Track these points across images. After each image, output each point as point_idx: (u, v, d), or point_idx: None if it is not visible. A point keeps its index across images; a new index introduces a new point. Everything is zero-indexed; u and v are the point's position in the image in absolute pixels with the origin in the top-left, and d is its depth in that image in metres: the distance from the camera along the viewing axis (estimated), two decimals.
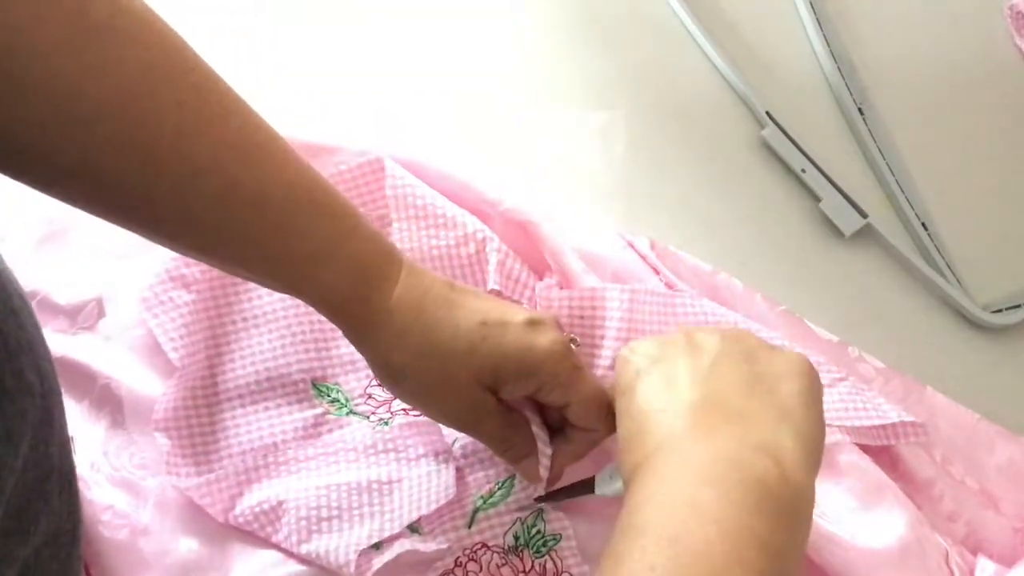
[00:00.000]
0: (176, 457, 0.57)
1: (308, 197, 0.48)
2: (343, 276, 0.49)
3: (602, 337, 0.60)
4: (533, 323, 0.52)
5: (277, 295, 0.61)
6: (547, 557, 0.56)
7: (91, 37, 0.41)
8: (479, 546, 0.56)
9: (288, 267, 0.49)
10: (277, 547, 0.56)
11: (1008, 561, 0.60)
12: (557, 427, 0.55)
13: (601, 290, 0.61)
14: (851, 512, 0.58)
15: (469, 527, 0.57)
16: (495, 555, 0.56)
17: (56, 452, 0.45)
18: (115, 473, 0.57)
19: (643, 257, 0.66)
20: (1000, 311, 0.73)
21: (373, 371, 0.53)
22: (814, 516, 0.56)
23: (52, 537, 0.44)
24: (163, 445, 0.57)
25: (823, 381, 0.59)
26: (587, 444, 0.55)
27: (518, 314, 0.52)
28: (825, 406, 0.58)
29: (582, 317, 0.61)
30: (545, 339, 0.51)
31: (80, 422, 0.58)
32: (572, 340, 0.55)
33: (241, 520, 0.56)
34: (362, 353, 0.52)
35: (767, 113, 0.77)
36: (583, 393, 0.52)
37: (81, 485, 0.55)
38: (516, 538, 0.57)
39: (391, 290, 0.50)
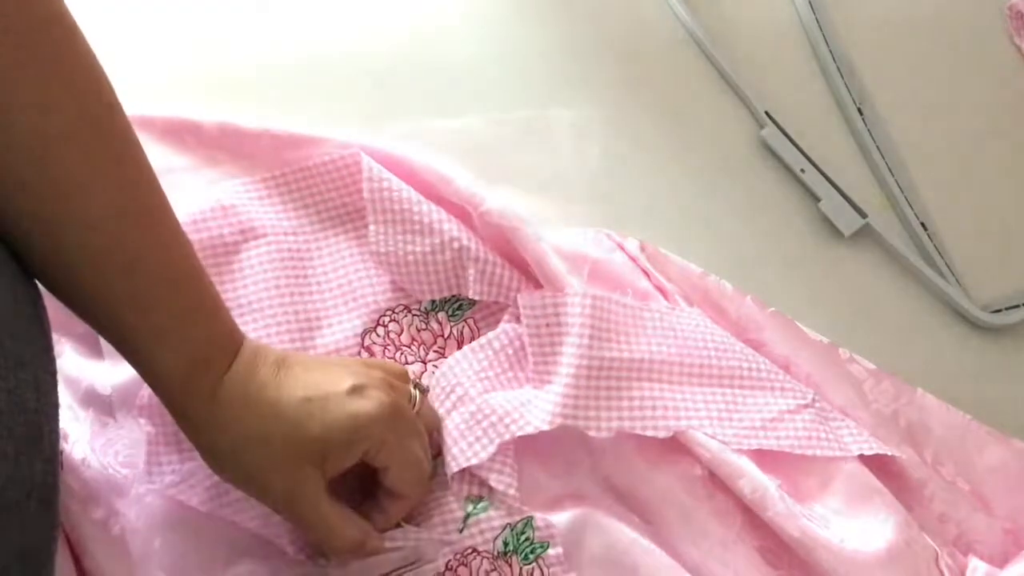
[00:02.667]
0: (160, 446, 0.57)
1: (172, 272, 0.49)
2: (178, 359, 0.49)
3: (561, 345, 0.60)
4: (356, 389, 0.52)
5: (262, 283, 0.61)
6: (534, 564, 0.56)
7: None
8: (469, 551, 0.56)
9: (132, 337, 0.48)
10: (270, 543, 0.56)
11: (999, 562, 0.60)
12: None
13: (563, 297, 0.60)
14: (840, 515, 0.58)
15: (461, 531, 0.57)
16: (484, 560, 0.56)
17: (40, 469, 0.44)
18: (103, 471, 0.57)
19: (633, 259, 0.66)
20: (999, 311, 0.73)
21: (199, 454, 0.52)
22: (803, 519, 0.57)
23: (20, 556, 0.42)
24: (148, 434, 0.57)
25: (787, 407, 0.61)
26: (398, 510, 0.55)
27: (341, 382, 0.52)
28: (785, 433, 0.60)
29: (548, 325, 0.60)
30: (369, 404, 0.51)
31: (68, 419, 0.58)
32: (418, 387, 0.56)
33: (227, 512, 0.56)
34: (189, 437, 0.52)
35: (766, 113, 0.77)
36: (403, 457, 0.53)
37: (71, 478, 0.55)
38: (505, 544, 0.57)
39: (218, 379, 0.50)
